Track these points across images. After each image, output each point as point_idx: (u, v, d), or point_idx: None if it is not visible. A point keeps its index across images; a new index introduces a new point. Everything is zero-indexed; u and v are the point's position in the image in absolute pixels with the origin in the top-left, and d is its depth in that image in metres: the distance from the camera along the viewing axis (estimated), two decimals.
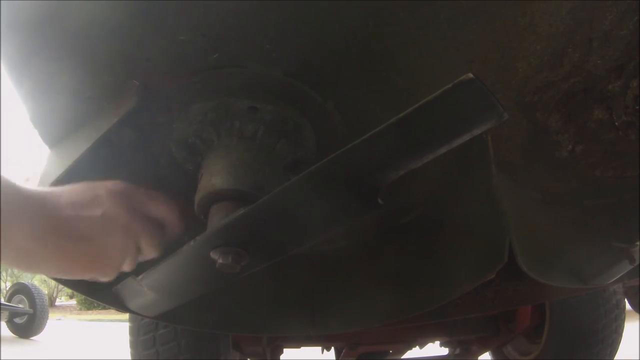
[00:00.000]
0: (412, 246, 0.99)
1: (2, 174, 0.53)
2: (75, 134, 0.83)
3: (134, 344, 1.61)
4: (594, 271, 0.87)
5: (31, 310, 6.76)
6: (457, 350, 2.03)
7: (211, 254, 0.67)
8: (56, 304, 20.38)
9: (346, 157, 0.57)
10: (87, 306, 17.94)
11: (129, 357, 1.64)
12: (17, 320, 6.87)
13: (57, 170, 0.78)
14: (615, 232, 0.90)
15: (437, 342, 2.01)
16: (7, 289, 7.90)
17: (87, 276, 0.62)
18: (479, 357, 2.07)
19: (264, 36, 0.71)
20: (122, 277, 0.73)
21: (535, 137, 0.85)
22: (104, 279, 0.64)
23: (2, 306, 6.53)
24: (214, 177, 0.77)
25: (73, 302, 20.64)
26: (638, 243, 0.83)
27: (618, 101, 0.79)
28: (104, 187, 0.64)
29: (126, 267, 0.67)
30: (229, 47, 0.73)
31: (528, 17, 0.69)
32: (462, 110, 0.51)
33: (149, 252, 0.69)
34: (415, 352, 2.04)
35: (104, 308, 15.51)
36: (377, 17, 0.69)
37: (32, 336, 6.89)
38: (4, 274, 19.38)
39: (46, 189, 0.62)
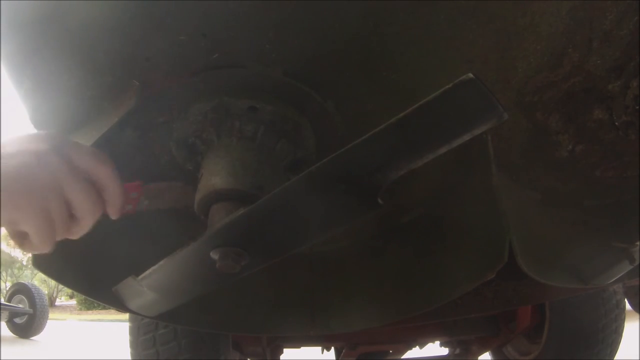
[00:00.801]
0: (412, 246, 0.99)
1: None
2: (76, 133, 0.83)
3: (134, 344, 1.61)
4: (594, 271, 0.87)
5: (31, 310, 6.76)
6: (457, 350, 2.03)
7: (211, 254, 0.67)
8: (56, 304, 20.39)
9: (346, 157, 0.57)
10: (87, 306, 17.94)
11: (129, 357, 1.64)
12: (17, 320, 6.87)
13: None
14: (615, 232, 0.90)
15: (437, 342, 2.01)
16: (7, 289, 7.90)
17: (5, 218, 0.54)
18: (479, 357, 2.07)
19: (263, 36, 0.71)
20: (115, 272, 0.73)
21: (535, 137, 0.85)
22: (31, 229, 0.55)
23: (2, 306, 6.53)
24: (214, 177, 0.77)
25: (73, 302, 20.65)
26: (638, 243, 0.83)
27: (618, 101, 0.79)
28: (39, 132, 0.59)
29: (59, 229, 0.57)
30: (229, 47, 0.73)
31: (528, 17, 0.69)
32: (462, 110, 0.51)
33: (84, 218, 0.59)
34: (415, 352, 2.04)
35: (104, 308, 15.52)
36: (377, 17, 0.69)
37: (32, 336, 6.89)
38: (4, 274, 19.39)
39: None
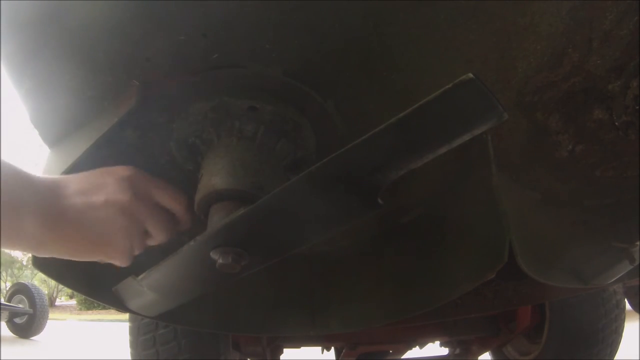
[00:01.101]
0: (412, 246, 0.99)
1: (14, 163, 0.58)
2: (76, 134, 0.83)
3: (134, 344, 1.61)
4: (594, 271, 0.87)
5: (31, 310, 6.77)
6: (457, 350, 2.04)
7: (211, 254, 0.67)
8: (56, 304, 20.39)
9: (346, 157, 0.57)
10: (87, 306, 17.94)
11: (129, 357, 1.64)
12: (17, 320, 6.87)
13: (58, 170, 0.78)
14: (615, 232, 0.90)
15: (437, 342, 2.01)
16: (7, 289, 7.90)
17: (96, 258, 0.66)
18: (479, 357, 2.07)
19: (263, 36, 0.71)
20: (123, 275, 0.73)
21: (535, 137, 0.85)
22: (116, 261, 0.67)
23: (2, 306, 6.54)
24: (214, 177, 0.77)
25: (73, 302, 20.65)
26: (638, 243, 0.83)
27: (618, 101, 0.79)
28: (110, 173, 0.68)
29: (136, 250, 0.70)
30: (229, 47, 0.73)
31: (528, 17, 0.69)
32: (462, 110, 0.51)
33: (159, 236, 0.71)
34: (415, 352, 2.04)
35: (104, 308, 15.52)
36: (377, 17, 0.69)
37: (32, 336, 6.89)
38: (4, 274, 19.39)
39: (57, 177, 0.65)
